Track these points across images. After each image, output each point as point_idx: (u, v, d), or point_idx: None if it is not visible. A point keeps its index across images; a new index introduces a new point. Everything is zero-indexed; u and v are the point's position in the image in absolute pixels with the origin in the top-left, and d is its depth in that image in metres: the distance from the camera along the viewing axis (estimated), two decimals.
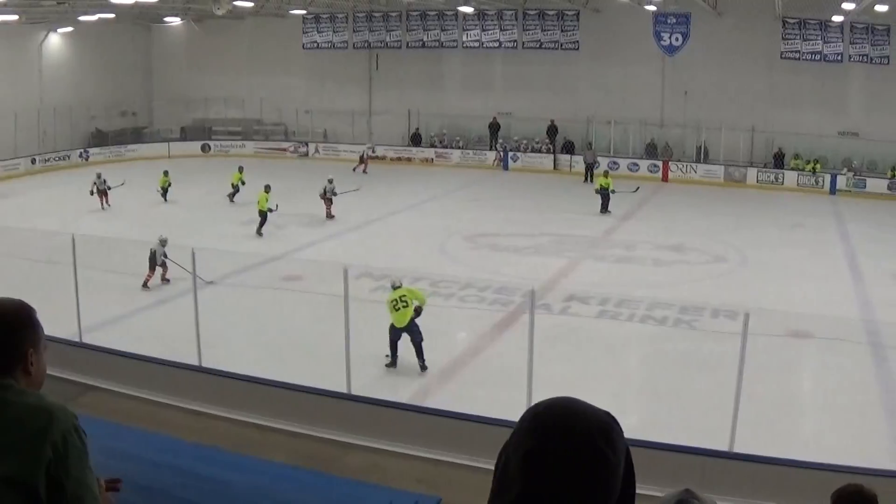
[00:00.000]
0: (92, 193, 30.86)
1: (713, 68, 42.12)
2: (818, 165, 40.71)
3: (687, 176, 41.31)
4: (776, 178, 40.86)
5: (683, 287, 22.69)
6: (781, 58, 41.70)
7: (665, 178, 41.01)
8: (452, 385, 15.06)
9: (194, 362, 13.80)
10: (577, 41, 44.22)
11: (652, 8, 39.14)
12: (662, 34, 41.68)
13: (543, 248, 26.49)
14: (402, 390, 13.86)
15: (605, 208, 31.51)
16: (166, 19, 48.34)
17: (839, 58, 41.04)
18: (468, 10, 42.70)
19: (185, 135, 48.17)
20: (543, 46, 44.81)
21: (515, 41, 45.09)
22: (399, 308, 15.31)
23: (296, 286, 18.76)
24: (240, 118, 48.67)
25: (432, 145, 45.66)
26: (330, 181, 29.46)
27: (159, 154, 44.61)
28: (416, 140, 46.16)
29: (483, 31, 45.37)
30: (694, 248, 27.35)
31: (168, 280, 20.87)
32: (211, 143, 47.20)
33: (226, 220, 29.40)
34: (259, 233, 27.13)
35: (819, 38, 41.15)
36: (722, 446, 11.34)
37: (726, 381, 11.99)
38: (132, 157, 44.24)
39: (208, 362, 13.82)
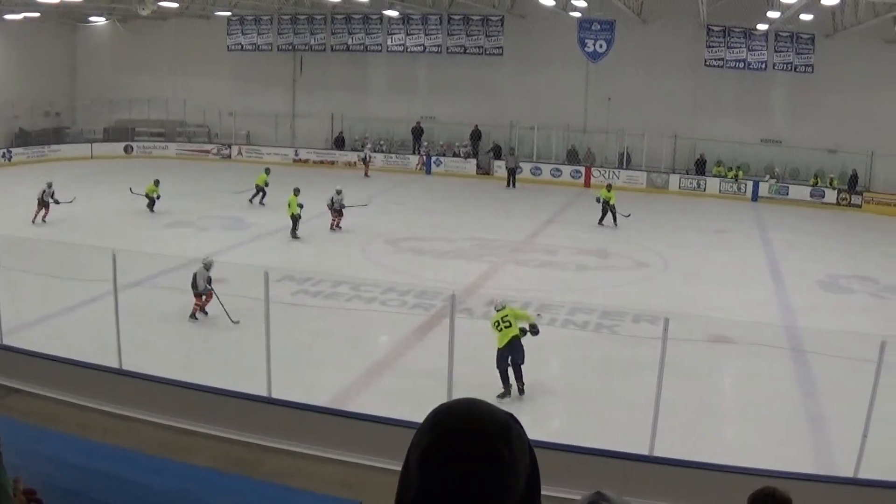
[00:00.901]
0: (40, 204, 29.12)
1: (637, 75, 42.64)
2: (740, 172, 41.47)
3: (610, 181, 41.67)
4: (698, 185, 41.45)
5: (605, 292, 22.74)
6: (705, 65, 42.34)
7: (587, 184, 41.34)
8: (373, 388, 15.03)
9: (115, 365, 13.70)
10: (502, 46, 44.54)
11: (577, 14, 39.47)
12: (587, 40, 42.08)
13: (465, 253, 26.56)
14: (322, 394, 13.73)
15: (602, 221, 31.39)
16: (91, 19, 47.91)
17: (763, 66, 41.79)
18: (393, 13, 42.87)
19: (108, 135, 47.39)
20: (468, 51, 45.06)
21: (440, 46, 45.24)
22: (501, 329, 15.15)
23: (219, 289, 18.64)
24: (163, 119, 48.06)
25: (354, 149, 45.48)
26: (338, 192, 28.88)
27: (82, 155, 44.18)
28: (339, 143, 46.01)
29: (408, 35, 45.44)
30: (616, 254, 27.62)
31: (205, 312, 18.55)
32: (134, 145, 46.53)
33: (148, 222, 29.09)
34: (295, 235, 27.18)
35: (743, 45, 41.84)
36: (643, 451, 11.43)
37: (647, 385, 12.16)
38: (55, 157, 43.42)
39: (130, 365, 13.67)
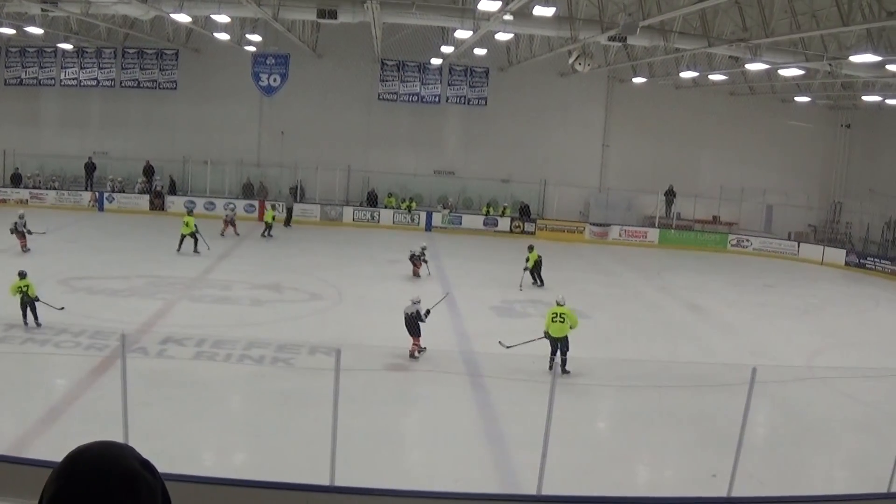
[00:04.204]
0: (12, 232, 30.53)
1: (311, 108, 43.71)
2: (413, 203, 42.99)
3: (282, 215, 42.34)
4: (372, 217, 42.85)
5: (281, 325, 23.21)
6: (379, 99, 43.98)
7: (261, 218, 41.81)
8: (51, 434, 14.74)
9: None
10: (176, 80, 44.82)
11: (251, 48, 39.99)
12: (261, 74, 42.72)
13: (139, 290, 26.51)
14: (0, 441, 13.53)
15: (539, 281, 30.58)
16: None
17: (437, 99, 43.83)
18: (68, 46, 41.84)
19: None
20: (142, 85, 44.93)
21: (113, 80, 44.81)
22: (556, 321, 19.50)
23: None
24: None
25: (28, 187, 43.86)
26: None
27: None
28: (16, 180, 44.15)
29: (81, 68, 44.83)
30: (290, 287, 28.26)
31: None
32: None
33: None
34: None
35: (417, 79, 43.66)
36: (323, 481, 11.30)
37: (326, 416, 12.15)
38: None
39: None
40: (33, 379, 17.60)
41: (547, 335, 19.80)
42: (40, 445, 13.88)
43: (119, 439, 10.18)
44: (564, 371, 18.90)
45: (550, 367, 18.77)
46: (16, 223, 30.48)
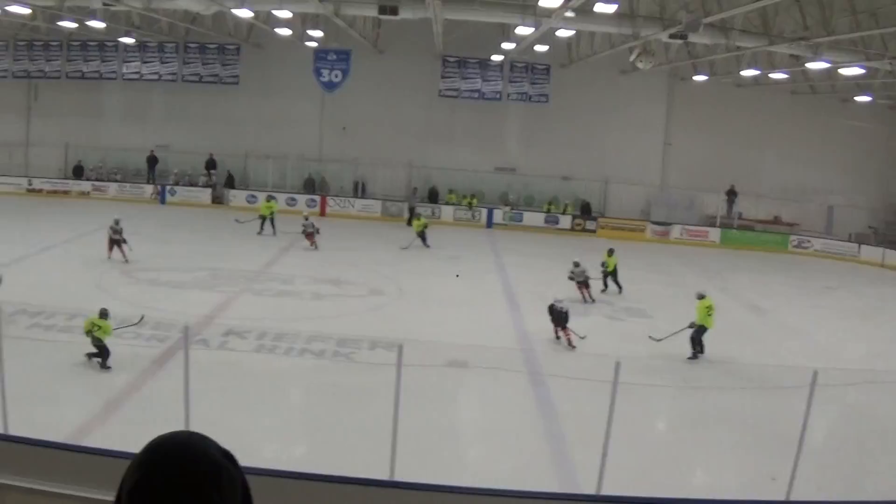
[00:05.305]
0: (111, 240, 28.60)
1: (372, 104, 43.61)
2: (475, 200, 42.74)
3: (345, 210, 42.55)
4: (433, 213, 42.28)
5: (342, 320, 23.16)
6: (440, 95, 43.65)
7: (323, 213, 41.99)
8: (113, 422, 14.82)
9: None
10: (238, 75, 44.80)
11: (313, 44, 39.91)
12: (322, 70, 42.63)
13: (201, 283, 26.59)
14: (60, 430, 13.25)
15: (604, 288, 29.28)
16: None
17: (498, 96, 43.51)
18: (129, 41, 42.16)
19: None
20: (203, 80, 44.97)
21: (175, 74, 44.98)
22: (711, 315, 21.12)
23: None
24: None
25: (90, 179, 44.40)
26: (577, 264, 27.21)
27: None
28: (77, 172, 44.70)
29: (143, 62, 44.98)
30: (351, 282, 28.12)
31: None
32: None
33: None
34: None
35: (478, 76, 43.33)
36: (383, 475, 11.48)
37: (386, 411, 12.38)
38: None
39: None
40: (95, 369, 17.58)
41: (696, 326, 21.25)
42: (101, 434, 13.92)
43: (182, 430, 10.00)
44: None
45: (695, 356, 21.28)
46: (112, 228, 28.49)
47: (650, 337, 21.49)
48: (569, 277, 26.90)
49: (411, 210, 41.28)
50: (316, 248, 32.74)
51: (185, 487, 1.86)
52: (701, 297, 21.62)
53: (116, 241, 28.32)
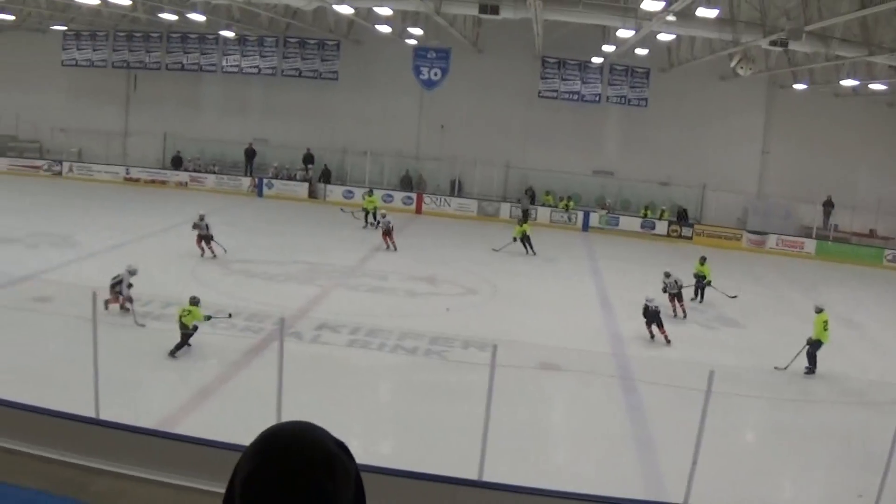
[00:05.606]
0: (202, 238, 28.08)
1: (471, 103, 43.41)
2: (571, 202, 42.30)
3: (441, 209, 42.34)
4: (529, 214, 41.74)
5: (435, 318, 22.96)
6: (539, 96, 43.24)
7: (419, 211, 41.94)
8: (203, 411, 14.92)
9: None
10: (337, 71, 44.83)
11: (413, 42, 39.76)
12: (422, 68, 42.36)
13: (296, 276, 26.62)
14: (150, 416, 13.43)
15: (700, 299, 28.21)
16: None
17: (597, 98, 42.97)
18: (229, 34, 42.48)
19: None
20: (303, 74, 45.14)
21: (275, 68, 45.24)
22: (827, 329, 20.55)
23: (44, 308, 18.32)
24: None
25: (188, 170, 44.96)
26: (668, 275, 26.04)
27: None
28: (176, 163, 45.35)
29: (243, 56, 45.31)
30: (445, 280, 27.96)
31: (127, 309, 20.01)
32: None
33: None
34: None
35: (578, 78, 42.80)
36: (472, 475, 11.30)
37: (476, 411, 12.23)
38: None
39: None
40: (188, 357, 17.57)
41: (812, 341, 20.69)
42: (191, 422, 13.97)
43: (273, 421, 9.80)
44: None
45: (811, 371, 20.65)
46: (195, 224, 28.11)
47: (776, 367, 20.74)
48: (662, 290, 25.71)
49: (524, 212, 40.83)
50: (395, 248, 31.98)
51: (299, 475, 1.85)
52: (819, 310, 21.07)
53: (203, 236, 28.01)
